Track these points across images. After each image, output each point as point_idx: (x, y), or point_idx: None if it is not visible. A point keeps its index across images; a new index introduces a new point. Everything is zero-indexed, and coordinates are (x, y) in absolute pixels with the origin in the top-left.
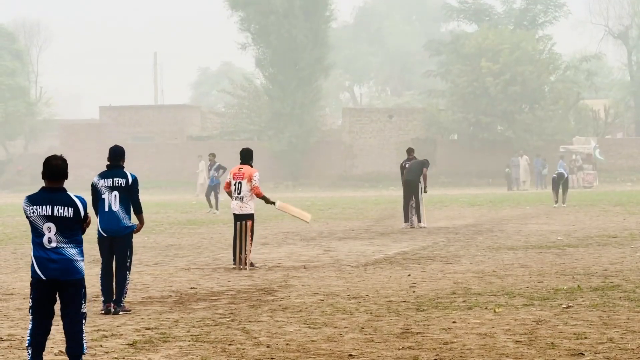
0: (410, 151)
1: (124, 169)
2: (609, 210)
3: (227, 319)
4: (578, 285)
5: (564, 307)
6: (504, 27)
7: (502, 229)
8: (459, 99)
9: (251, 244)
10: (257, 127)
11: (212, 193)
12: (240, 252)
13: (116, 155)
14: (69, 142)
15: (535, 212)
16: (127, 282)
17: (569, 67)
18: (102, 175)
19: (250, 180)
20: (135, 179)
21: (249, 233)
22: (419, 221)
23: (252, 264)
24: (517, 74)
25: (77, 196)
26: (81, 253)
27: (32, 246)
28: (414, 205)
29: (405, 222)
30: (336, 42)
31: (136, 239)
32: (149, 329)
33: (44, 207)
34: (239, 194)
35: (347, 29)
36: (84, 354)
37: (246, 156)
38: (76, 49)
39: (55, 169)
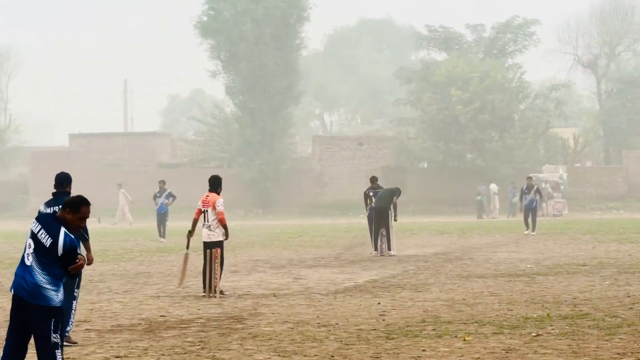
0: (374, 179)
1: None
2: (578, 238)
3: (197, 347)
4: (547, 314)
5: (534, 336)
6: (474, 55)
7: (472, 257)
8: (429, 127)
9: (220, 271)
10: (227, 154)
11: (162, 221)
12: (210, 280)
13: (62, 181)
14: (39, 170)
15: (505, 240)
16: (73, 312)
17: (539, 95)
18: (49, 204)
19: (214, 207)
20: None
21: (217, 261)
22: (389, 249)
23: (221, 292)
24: (486, 102)
25: (67, 236)
26: (55, 283)
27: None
28: (384, 233)
29: (375, 250)
30: (306, 70)
31: (104, 267)
32: (118, 357)
33: (37, 224)
34: (206, 221)
35: (318, 57)
36: None
37: (214, 184)
38: (46, 76)
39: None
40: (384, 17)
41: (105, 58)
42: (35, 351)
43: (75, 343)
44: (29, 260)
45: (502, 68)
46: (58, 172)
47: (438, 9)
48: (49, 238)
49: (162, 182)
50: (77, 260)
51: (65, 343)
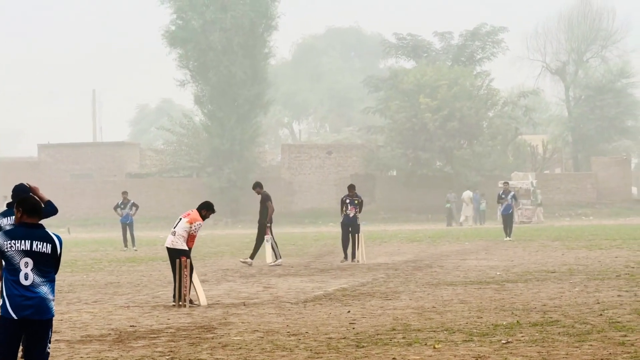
0: (351, 187)
1: None
2: (547, 245)
3: (167, 357)
4: (517, 321)
5: (504, 343)
6: (442, 63)
7: (441, 264)
8: (398, 135)
9: (190, 281)
10: (197, 164)
11: (128, 230)
12: (180, 290)
13: (18, 192)
14: (7, 180)
15: (474, 248)
16: None
17: (507, 102)
18: (4, 214)
19: (191, 222)
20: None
21: (186, 270)
22: (353, 257)
23: (191, 302)
24: (455, 109)
25: (55, 234)
26: (53, 292)
27: (3, 284)
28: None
29: (345, 258)
30: (275, 79)
31: (73, 277)
32: None
33: (23, 241)
34: (174, 227)
35: (286, 66)
36: None
37: (202, 205)
38: (14, 86)
39: (35, 205)
40: (352, 25)
41: (74, 68)
42: None
43: None
44: (29, 280)
45: (471, 75)
46: (26, 182)
47: (406, 17)
48: (47, 244)
49: (126, 193)
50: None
51: None
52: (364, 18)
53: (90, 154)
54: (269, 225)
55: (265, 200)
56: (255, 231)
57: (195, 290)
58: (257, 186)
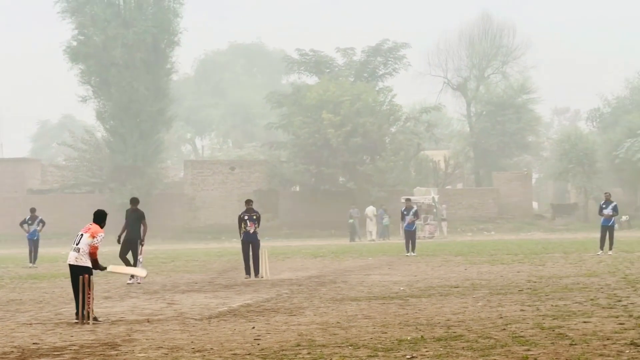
0: (249, 202)
1: None
2: (450, 260)
3: None
4: (421, 336)
5: (408, 358)
6: (345, 79)
7: (345, 280)
8: (301, 150)
9: (92, 298)
10: (99, 180)
11: (32, 247)
12: (83, 307)
13: None
14: None
15: (378, 263)
16: None
17: (409, 118)
18: None
19: (93, 236)
20: None
21: (88, 287)
22: (258, 272)
23: (95, 319)
24: (358, 125)
25: None
26: None
27: None
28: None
29: (247, 274)
30: (177, 95)
31: None
32: None
33: None
34: (77, 244)
35: (189, 81)
36: None
37: (98, 217)
38: None
39: None
40: (255, 41)
41: None
42: None
43: None
44: None
45: (373, 91)
46: None
47: (308, 33)
48: None
49: (34, 210)
50: None
51: None
52: (266, 34)
53: None
54: (143, 243)
55: (143, 218)
56: (159, 247)
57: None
58: (137, 202)
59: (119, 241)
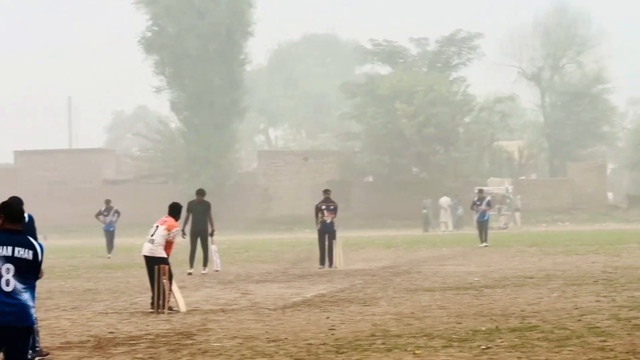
0: (327, 192)
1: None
2: (524, 251)
3: None
4: (496, 327)
5: (483, 349)
6: (418, 69)
7: (419, 270)
8: (374, 141)
9: (170, 288)
10: (173, 170)
11: (109, 238)
12: (159, 297)
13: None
14: None
15: (452, 254)
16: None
17: (483, 108)
18: None
19: (168, 229)
20: (30, 217)
21: (165, 277)
22: (332, 263)
23: (170, 309)
24: (431, 115)
25: (36, 241)
26: (34, 299)
27: None
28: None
29: (321, 264)
30: (251, 85)
31: (51, 284)
32: None
33: (5, 247)
34: (152, 235)
35: (262, 72)
36: None
37: (173, 210)
38: None
39: (17, 211)
40: (328, 31)
41: (50, 75)
42: None
43: (48, 354)
44: (10, 286)
45: (447, 81)
46: (2, 188)
47: (382, 23)
48: (28, 250)
49: (108, 201)
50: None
51: (38, 358)
52: (339, 24)
53: (66, 161)
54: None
55: (210, 209)
56: (232, 237)
57: (175, 298)
58: (204, 193)
59: (183, 235)
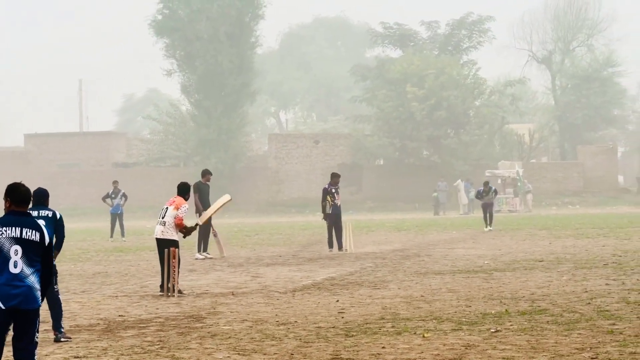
0: (336, 175)
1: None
2: (534, 234)
3: (156, 347)
4: (506, 310)
5: (493, 332)
6: (429, 52)
7: (429, 253)
8: (385, 124)
9: (178, 271)
10: (183, 153)
11: (117, 221)
12: (168, 280)
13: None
14: None
15: (462, 237)
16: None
17: (494, 91)
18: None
19: (177, 208)
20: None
21: (174, 260)
22: (341, 246)
23: (180, 291)
24: (442, 98)
25: (45, 222)
26: (38, 282)
27: None
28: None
29: (330, 247)
30: (262, 68)
31: (61, 267)
32: (77, 357)
33: (13, 228)
34: (162, 218)
35: (273, 55)
36: None
37: (182, 190)
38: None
39: (24, 195)
40: (339, 14)
41: (60, 58)
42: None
43: (70, 338)
44: (17, 268)
45: (457, 64)
46: (13, 172)
47: (392, 6)
48: (35, 232)
49: (116, 183)
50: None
51: (62, 339)
52: (350, 7)
53: (77, 144)
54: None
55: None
56: (243, 220)
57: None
58: (210, 174)
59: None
